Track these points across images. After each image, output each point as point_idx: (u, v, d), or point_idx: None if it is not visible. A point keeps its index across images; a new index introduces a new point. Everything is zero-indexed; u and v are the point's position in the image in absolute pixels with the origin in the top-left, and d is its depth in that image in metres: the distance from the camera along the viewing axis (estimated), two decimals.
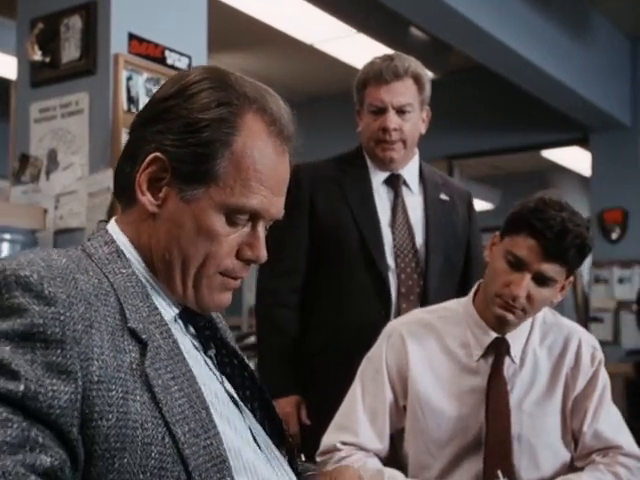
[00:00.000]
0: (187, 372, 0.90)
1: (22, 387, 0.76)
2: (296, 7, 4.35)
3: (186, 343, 0.97)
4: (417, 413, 1.56)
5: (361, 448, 1.56)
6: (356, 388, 1.62)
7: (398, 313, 1.95)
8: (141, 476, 0.81)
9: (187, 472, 0.83)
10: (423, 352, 1.60)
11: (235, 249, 0.95)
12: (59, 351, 0.79)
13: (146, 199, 0.94)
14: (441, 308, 1.69)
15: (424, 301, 2.00)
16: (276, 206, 0.97)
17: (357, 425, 1.57)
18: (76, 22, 2.35)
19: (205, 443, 0.86)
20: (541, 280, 1.47)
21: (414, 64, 2.05)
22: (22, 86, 2.52)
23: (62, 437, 0.78)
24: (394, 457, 1.62)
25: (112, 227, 0.98)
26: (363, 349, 1.71)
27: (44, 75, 2.43)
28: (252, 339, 3.83)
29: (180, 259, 0.94)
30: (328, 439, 1.59)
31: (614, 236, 5.89)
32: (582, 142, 6.34)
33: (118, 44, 2.31)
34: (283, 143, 0.97)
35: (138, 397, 0.83)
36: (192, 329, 1.00)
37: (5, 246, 2.24)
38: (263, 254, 0.97)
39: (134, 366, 0.84)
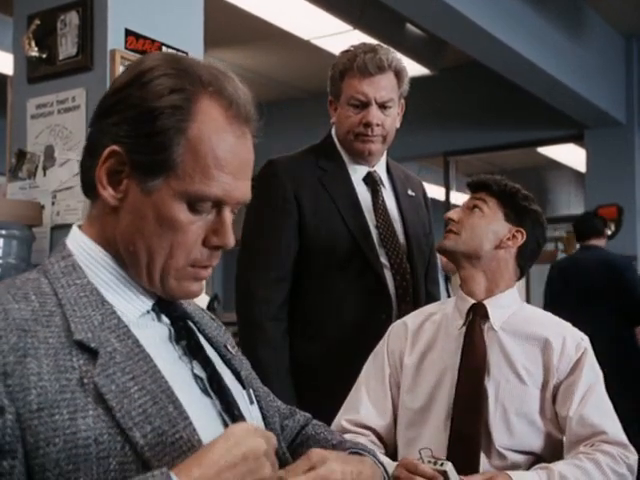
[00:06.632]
0: (150, 369, 0.88)
1: None
2: (293, 3, 4.37)
3: (160, 332, 0.97)
4: (404, 386, 1.64)
5: (362, 424, 1.63)
6: (361, 376, 1.71)
7: (398, 315, 1.91)
8: None
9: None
10: (421, 334, 1.69)
11: (201, 237, 0.93)
12: None
13: (107, 193, 0.92)
14: (440, 302, 1.82)
15: (417, 303, 1.99)
16: (240, 190, 0.94)
17: (359, 404, 1.66)
18: (73, 18, 2.35)
19: (173, 439, 0.84)
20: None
21: (396, 57, 2.00)
22: (19, 82, 2.51)
23: None
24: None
25: (73, 236, 0.97)
26: (364, 358, 1.72)
27: (41, 71, 2.42)
28: None
29: (145, 251, 0.92)
30: (335, 421, 1.67)
31: (608, 232, 5.91)
32: (577, 139, 6.36)
33: (115, 40, 2.30)
34: (242, 125, 0.94)
35: (90, 412, 0.81)
36: (166, 319, 0.99)
37: (1, 242, 2.24)
38: (230, 239, 0.94)
39: (85, 380, 0.83)
